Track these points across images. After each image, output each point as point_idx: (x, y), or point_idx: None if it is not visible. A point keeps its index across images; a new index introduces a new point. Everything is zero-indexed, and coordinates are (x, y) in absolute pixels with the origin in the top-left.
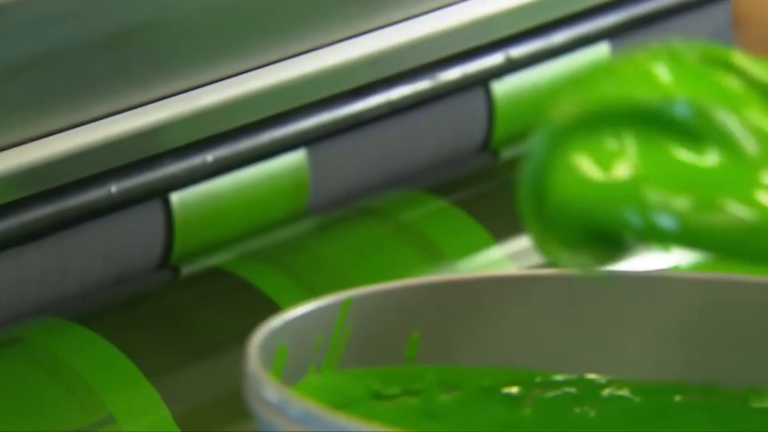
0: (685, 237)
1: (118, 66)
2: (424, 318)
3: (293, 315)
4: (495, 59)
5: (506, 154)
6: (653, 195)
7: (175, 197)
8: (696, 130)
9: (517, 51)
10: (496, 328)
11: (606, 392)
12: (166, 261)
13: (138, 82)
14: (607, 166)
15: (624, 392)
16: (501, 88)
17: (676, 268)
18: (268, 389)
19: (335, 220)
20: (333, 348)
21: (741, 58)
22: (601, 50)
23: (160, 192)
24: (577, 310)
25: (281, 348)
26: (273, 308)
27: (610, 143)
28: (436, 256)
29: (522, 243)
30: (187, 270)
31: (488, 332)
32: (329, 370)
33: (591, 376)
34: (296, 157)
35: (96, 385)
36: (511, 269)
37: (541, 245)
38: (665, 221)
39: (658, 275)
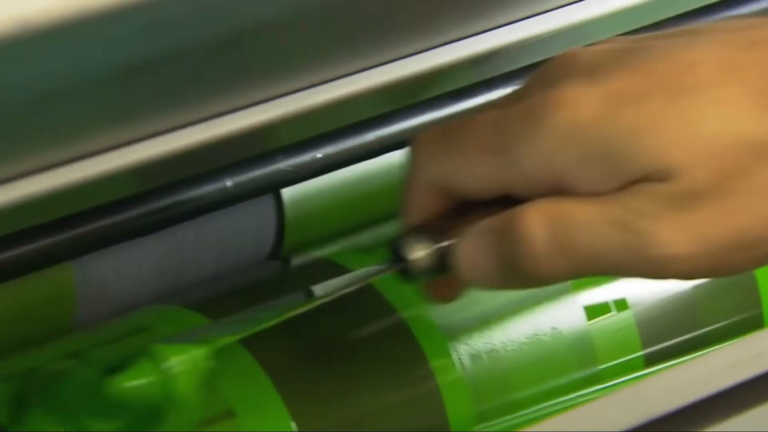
0: None
1: (233, 67)
2: None
3: None
4: None
5: None
6: None
7: (286, 192)
8: None
9: None
10: None
11: None
12: (277, 252)
13: (252, 82)
14: None
15: None
16: None
17: None
18: None
19: None
20: None
21: None
22: None
23: (273, 187)
24: None
25: None
26: (379, 299)
27: None
28: None
29: None
30: (296, 261)
31: None
32: None
33: None
34: (401, 156)
35: (215, 377)
36: None
37: None
38: None
39: None
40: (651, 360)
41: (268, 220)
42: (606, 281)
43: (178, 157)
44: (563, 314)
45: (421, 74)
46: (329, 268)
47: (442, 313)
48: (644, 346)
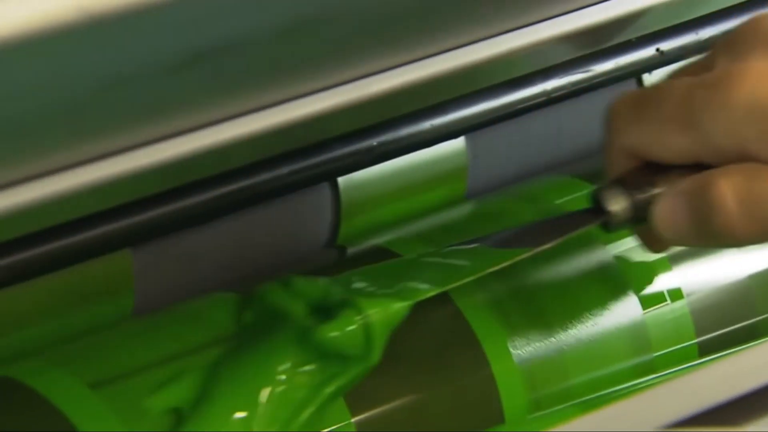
0: None
1: (293, 56)
2: None
3: None
4: (646, 53)
5: None
6: None
7: (342, 180)
8: None
9: (668, 45)
10: None
11: None
12: (333, 241)
13: (311, 71)
14: None
15: None
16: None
17: None
18: None
19: (491, 205)
20: None
21: None
22: None
23: (329, 175)
24: None
25: None
26: None
27: None
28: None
29: None
30: (352, 249)
31: None
32: None
33: None
34: (456, 144)
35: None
36: None
37: None
38: None
39: None
40: (705, 349)
41: (324, 208)
42: (661, 270)
43: (236, 146)
44: (618, 303)
45: (475, 64)
46: (385, 256)
47: (496, 300)
48: (698, 334)
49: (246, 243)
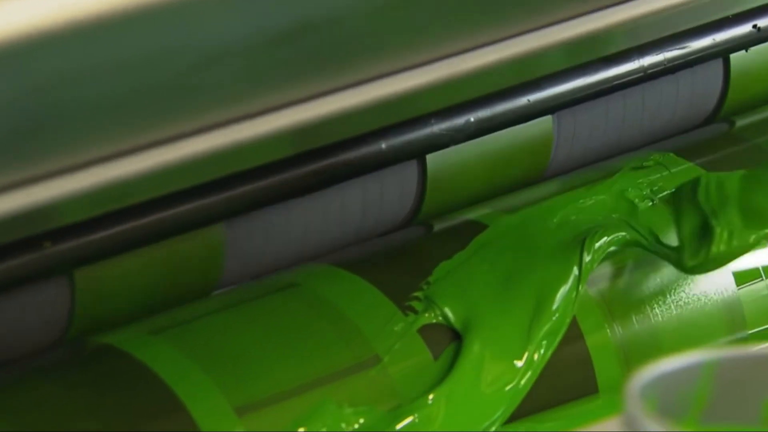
0: None
1: (388, 32)
2: None
3: (664, 370)
4: (743, 29)
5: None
6: None
7: (430, 156)
8: None
9: (765, 21)
10: None
11: None
12: (414, 216)
13: (405, 46)
14: None
15: None
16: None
17: None
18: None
19: (577, 180)
20: (696, 403)
21: None
22: None
23: (425, 150)
24: None
25: (652, 399)
26: None
27: None
28: None
29: None
30: (439, 225)
31: None
32: (691, 423)
33: None
34: (543, 120)
35: (363, 327)
36: None
37: None
38: None
39: None
40: None
41: (410, 183)
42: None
43: (332, 121)
44: (713, 279)
45: (568, 40)
46: (473, 229)
47: (591, 276)
48: None
49: (335, 217)
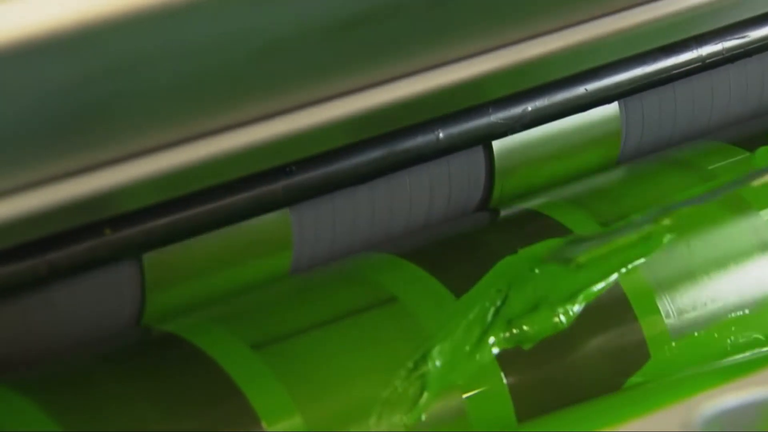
0: None
1: (444, 21)
2: None
3: (726, 406)
4: None
5: None
6: None
7: (497, 143)
8: None
9: None
10: None
11: None
12: (485, 204)
13: (463, 36)
14: None
15: None
16: None
17: None
18: None
19: (644, 170)
20: None
21: None
22: None
23: (482, 139)
24: None
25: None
26: None
27: None
28: (741, 206)
29: None
30: (505, 212)
31: None
32: None
33: None
34: (610, 109)
35: (422, 318)
36: None
37: None
38: None
39: None
40: None
41: (478, 171)
42: None
43: (392, 109)
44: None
45: (630, 29)
46: (538, 220)
47: (651, 268)
48: None
49: (402, 204)
